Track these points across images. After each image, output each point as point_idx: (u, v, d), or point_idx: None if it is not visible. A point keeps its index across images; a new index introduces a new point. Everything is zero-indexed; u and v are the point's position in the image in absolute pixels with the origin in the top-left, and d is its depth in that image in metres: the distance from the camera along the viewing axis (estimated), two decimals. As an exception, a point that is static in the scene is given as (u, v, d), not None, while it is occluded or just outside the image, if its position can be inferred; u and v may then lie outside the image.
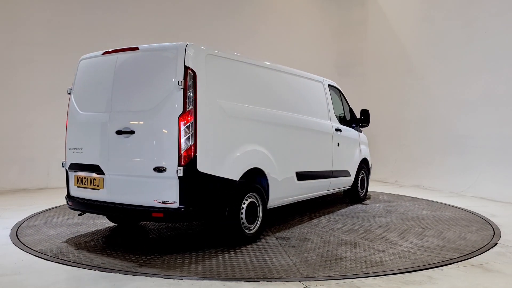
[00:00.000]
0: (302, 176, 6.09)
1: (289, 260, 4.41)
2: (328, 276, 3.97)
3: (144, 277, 3.89)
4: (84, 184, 5.00)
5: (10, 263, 4.31)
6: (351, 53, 13.18)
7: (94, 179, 4.88)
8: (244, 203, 4.95)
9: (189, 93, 4.33)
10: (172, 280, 3.81)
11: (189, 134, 4.31)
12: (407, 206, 7.68)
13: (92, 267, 4.15)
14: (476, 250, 4.91)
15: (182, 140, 4.28)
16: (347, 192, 8.03)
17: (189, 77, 4.35)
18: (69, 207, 5.24)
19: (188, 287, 3.68)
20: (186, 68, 4.37)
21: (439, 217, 6.68)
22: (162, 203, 4.38)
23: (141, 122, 4.55)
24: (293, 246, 4.96)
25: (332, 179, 6.98)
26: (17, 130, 9.51)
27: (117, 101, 4.76)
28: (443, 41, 10.41)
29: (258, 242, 5.11)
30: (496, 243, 5.26)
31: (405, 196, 8.97)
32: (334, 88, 7.56)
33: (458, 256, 4.65)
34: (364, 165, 8.18)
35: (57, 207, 7.25)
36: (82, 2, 10.11)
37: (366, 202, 8.17)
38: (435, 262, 4.41)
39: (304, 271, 4.05)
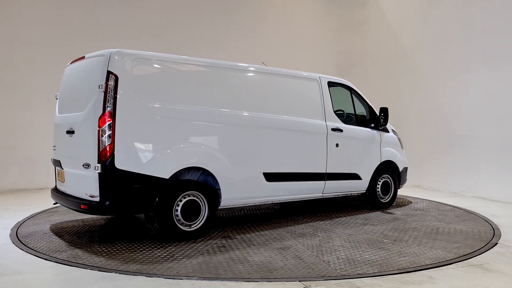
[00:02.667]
0: (273, 177, 5.94)
1: (194, 260, 4.38)
2: (328, 276, 3.98)
3: (144, 277, 3.90)
4: (58, 177, 5.74)
5: (10, 263, 4.31)
6: (351, 53, 13.15)
7: (61, 173, 5.60)
8: (181, 201, 5.09)
9: (109, 96, 4.72)
10: (172, 280, 3.82)
11: (108, 134, 4.68)
12: (424, 216, 6.80)
13: (92, 267, 4.16)
14: (476, 250, 4.92)
15: (101, 139, 4.70)
16: (363, 197, 7.40)
17: (110, 81, 4.74)
18: (52, 198, 5.81)
19: (188, 287, 3.69)
20: (109, 72, 4.77)
21: (442, 230, 5.84)
22: (90, 196, 4.86)
23: (78, 123, 5.11)
24: (223, 247, 4.90)
25: (328, 182, 6.58)
26: (17, 129, 9.51)
27: (69, 104, 5.46)
28: (443, 41, 10.41)
29: (199, 240, 5.12)
30: (496, 243, 5.26)
31: (445, 204, 7.98)
32: (341, 86, 7.09)
33: (455, 258, 4.65)
34: (389, 168, 7.50)
35: (57, 206, 7.24)
36: (82, 2, 10.10)
37: (390, 209, 7.34)
38: (340, 274, 4.03)
39: (187, 271, 4.04)
